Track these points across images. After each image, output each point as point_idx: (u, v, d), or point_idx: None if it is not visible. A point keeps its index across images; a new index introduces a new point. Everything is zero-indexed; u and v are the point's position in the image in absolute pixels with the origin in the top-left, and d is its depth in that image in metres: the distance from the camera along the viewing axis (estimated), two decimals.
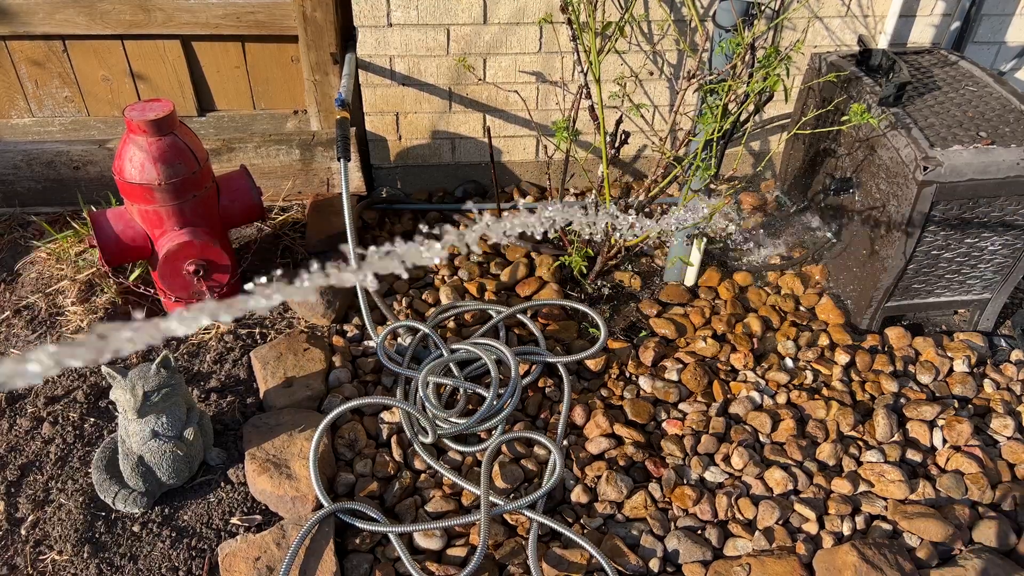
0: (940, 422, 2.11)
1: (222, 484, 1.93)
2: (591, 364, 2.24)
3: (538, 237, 2.67)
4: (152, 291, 2.32)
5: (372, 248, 0.85)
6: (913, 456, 2.04)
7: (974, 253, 2.23)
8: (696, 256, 2.41)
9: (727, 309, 2.41)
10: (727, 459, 2.02)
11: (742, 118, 2.12)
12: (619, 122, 2.34)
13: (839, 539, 1.86)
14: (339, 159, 2.24)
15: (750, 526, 1.89)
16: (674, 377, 2.22)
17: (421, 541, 1.82)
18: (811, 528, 1.88)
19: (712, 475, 1.99)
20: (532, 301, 2.40)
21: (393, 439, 2.04)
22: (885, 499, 1.94)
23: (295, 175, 2.77)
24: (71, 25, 2.55)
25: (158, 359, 1.78)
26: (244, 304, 0.72)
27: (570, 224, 2.39)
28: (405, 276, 2.59)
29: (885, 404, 2.15)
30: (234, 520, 1.86)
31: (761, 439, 2.09)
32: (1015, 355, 2.35)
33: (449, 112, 2.75)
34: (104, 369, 1.76)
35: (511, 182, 2.96)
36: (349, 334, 2.34)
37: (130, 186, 2.07)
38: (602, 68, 2.42)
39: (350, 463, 1.99)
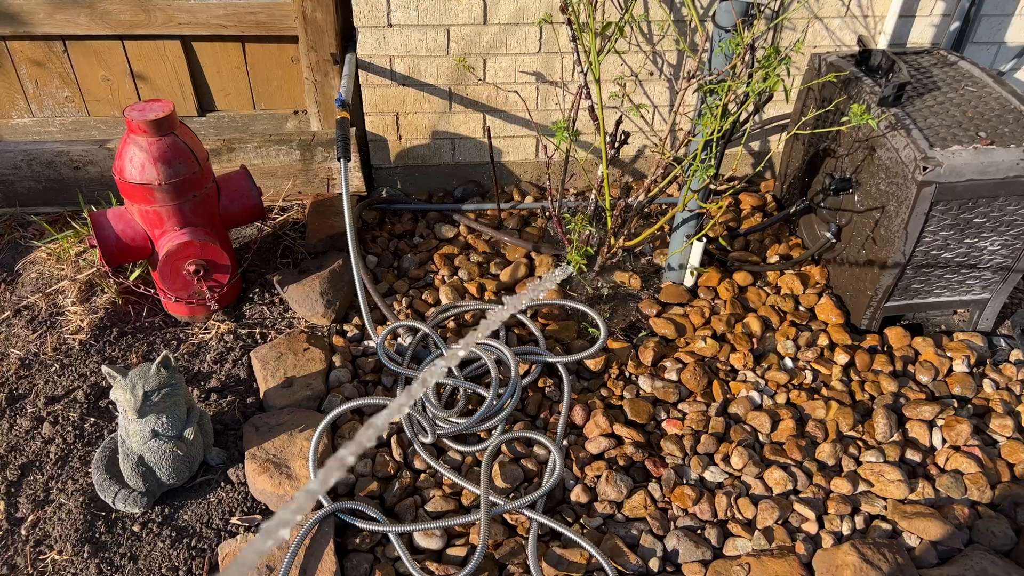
0: (939, 422, 2.11)
1: (222, 484, 1.93)
2: (591, 364, 2.24)
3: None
4: (152, 291, 2.33)
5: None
6: (912, 456, 2.04)
7: (973, 253, 2.23)
8: (696, 257, 2.41)
9: (727, 309, 2.41)
10: (727, 459, 2.02)
11: (742, 118, 2.12)
12: (619, 122, 2.34)
13: (839, 539, 1.86)
14: (339, 159, 2.24)
15: (750, 526, 1.89)
16: (674, 377, 2.22)
17: (421, 541, 1.82)
18: (811, 528, 1.88)
19: (712, 475, 1.99)
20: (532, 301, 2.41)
21: (393, 439, 2.04)
22: (885, 499, 1.94)
23: (295, 175, 2.77)
24: (71, 25, 2.55)
25: (158, 359, 1.78)
26: None
27: (570, 223, 2.39)
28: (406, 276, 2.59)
29: (885, 404, 2.15)
30: (234, 520, 1.86)
31: (761, 439, 2.09)
32: (1014, 355, 2.35)
33: (449, 112, 2.75)
34: (104, 369, 1.76)
35: (511, 182, 2.96)
36: (349, 334, 2.35)
37: (130, 186, 2.07)
38: (602, 68, 2.42)
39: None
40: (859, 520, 1.90)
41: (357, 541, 1.81)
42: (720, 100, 2.01)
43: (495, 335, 2.31)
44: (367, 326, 2.31)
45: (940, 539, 1.83)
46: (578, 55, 2.20)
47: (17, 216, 2.68)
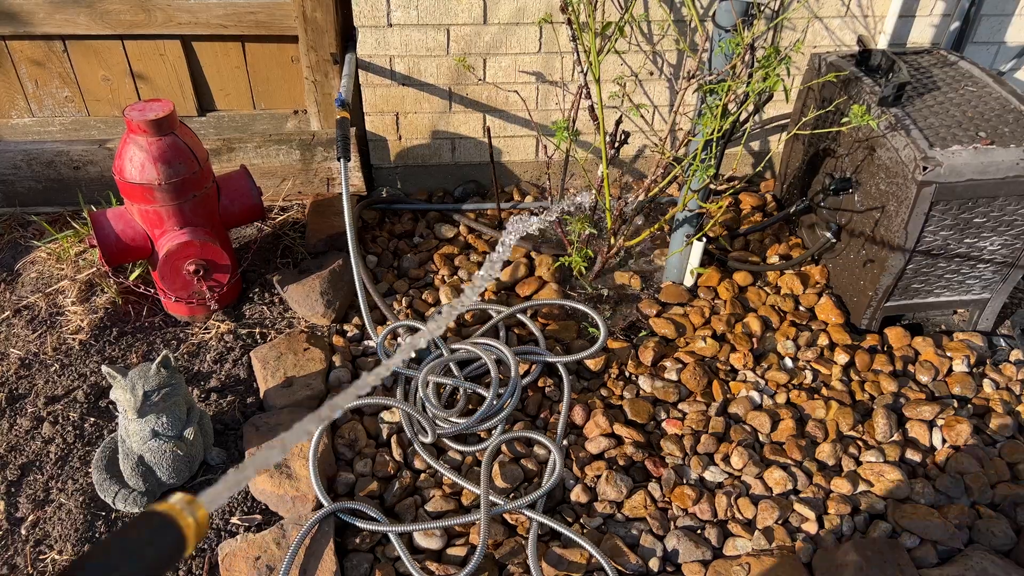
0: (939, 422, 2.11)
1: None
2: (591, 364, 2.24)
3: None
4: (152, 291, 2.33)
5: None
6: (912, 456, 2.04)
7: (973, 253, 2.23)
8: (696, 257, 2.41)
9: (727, 309, 2.41)
10: (727, 459, 2.02)
11: (742, 118, 2.12)
12: (619, 122, 2.34)
13: (839, 539, 1.86)
14: (339, 159, 2.24)
15: (750, 526, 1.89)
16: (674, 377, 2.22)
17: (421, 541, 1.82)
18: (811, 528, 1.88)
19: (712, 475, 1.99)
20: (532, 301, 2.41)
21: (393, 439, 2.04)
22: (885, 499, 1.94)
23: (295, 175, 2.77)
24: (71, 25, 2.55)
25: (158, 359, 1.78)
26: None
27: (570, 223, 2.39)
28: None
29: (885, 404, 2.15)
30: (234, 520, 1.86)
31: (761, 439, 2.09)
32: (1014, 355, 2.35)
33: (449, 112, 2.75)
34: (104, 369, 1.76)
35: (511, 182, 2.96)
36: (349, 334, 2.35)
37: (130, 186, 2.07)
38: (602, 68, 2.42)
39: (350, 463, 1.99)
40: (859, 520, 1.90)
41: (357, 541, 1.81)
42: (720, 100, 2.01)
43: (495, 335, 2.31)
44: (367, 326, 2.31)
45: (940, 539, 1.83)
46: (578, 55, 2.20)
47: (17, 216, 2.68)
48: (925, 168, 2.01)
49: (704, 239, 2.38)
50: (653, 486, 1.96)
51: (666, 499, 1.94)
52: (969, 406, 2.19)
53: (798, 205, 2.59)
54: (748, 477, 1.98)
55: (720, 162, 2.19)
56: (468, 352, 2.19)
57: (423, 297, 2.46)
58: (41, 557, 1.77)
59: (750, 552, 1.83)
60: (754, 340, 2.33)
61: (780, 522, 1.89)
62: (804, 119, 2.56)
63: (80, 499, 1.87)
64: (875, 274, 2.26)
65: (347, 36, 2.63)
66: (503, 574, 1.78)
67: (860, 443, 2.08)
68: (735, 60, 1.96)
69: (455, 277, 2.54)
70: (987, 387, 2.24)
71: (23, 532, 1.82)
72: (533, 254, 2.62)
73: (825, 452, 2.03)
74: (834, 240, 2.43)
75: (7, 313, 2.34)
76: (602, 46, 2.31)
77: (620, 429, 2.06)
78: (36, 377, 2.16)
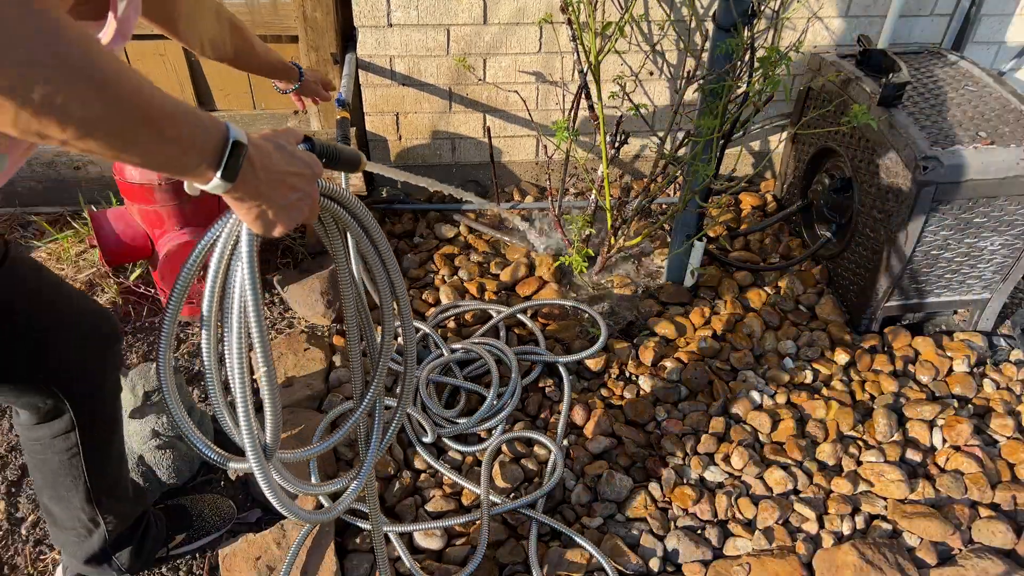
0: (940, 422, 2.11)
1: (222, 484, 1.93)
2: (591, 364, 2.24)
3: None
4: (152, 291, 2.33)
5: None
6: (913, 456, 2.04)
7: (974, 253, 2.23)
8: (696, 257, 2.41)
9: (727, 309, 2.41)
10: (727, 459, 2.02)
11: (742, 118, 2.12)
12: (619, 122, 2.34)
13: (839, 539, 1.86)
14: None
15: (750, 526, 1.89)
16: (674, 377, 2.22)
17: (421, 541, 1.82)
18: (811, 528, 1.88)
19: (712, 475, 1.99)
20: (532, 301, 2.41)
21: (393, 439, 2.04)
22: (885, 499, 1.94)
23: None
24: None
25: None
26: None
27: (570, 223, 2.39)
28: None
29: (885, 404, 2.15)
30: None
31: (761, 439, 2.09)
32: (1015, 355, 2.35)
33: (449, 112, 2.75)
34: None
35: (511, 182, 2.96)
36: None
37: (130, 186, 2.07)
38: (602, 68, 2.42)
39: (350, 463, 1.99)
40: (859, 520, 1.90)
41: (357, 541, 1.81)
42: (720, 100, 2.01)
43: (495, 335, 2.31)
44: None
45: (940, 539, 1.83)
46: (578, 55, 2.20)
47: (17, 216, 2.68)
48: (925, 168, 2.01)
49: (704, 239, 2.38)
50: (653, 486, 1.96)
51: (666, 499, 1.94)
52: (969, 406, 2.19)
53: (798, 205, 2.59)
54: (748, 477, 1.98)
55: (720, 162, 2.19)
56: (468, 352, 2.19)
57: (424, 297, 2.46)
58: (41, 557, 1.77)
59: (750, 552, 1.83)
60: (754, 340, 2.33)
61: (780, 522, 1.89)
62: (804, 119, 2.57)
63: None
64: (875, 274, 2.26)
65: (347, 36, 2.63)
66: (503, 574, 1.78)
67: (860, 443, 2.08)
68: (735, 60, 1.96)
69: (455, 277, 2.54)
70: (987, 387, 2.24)
71: (23, 532, 1.82)
72: (533, 254, 2.62)
73: (825, 452, 2.03)
74: (833, 240, 2.43)
75: None
76: (602, 46, 2.31)
77: (620, 429, 2.06)
78: None
